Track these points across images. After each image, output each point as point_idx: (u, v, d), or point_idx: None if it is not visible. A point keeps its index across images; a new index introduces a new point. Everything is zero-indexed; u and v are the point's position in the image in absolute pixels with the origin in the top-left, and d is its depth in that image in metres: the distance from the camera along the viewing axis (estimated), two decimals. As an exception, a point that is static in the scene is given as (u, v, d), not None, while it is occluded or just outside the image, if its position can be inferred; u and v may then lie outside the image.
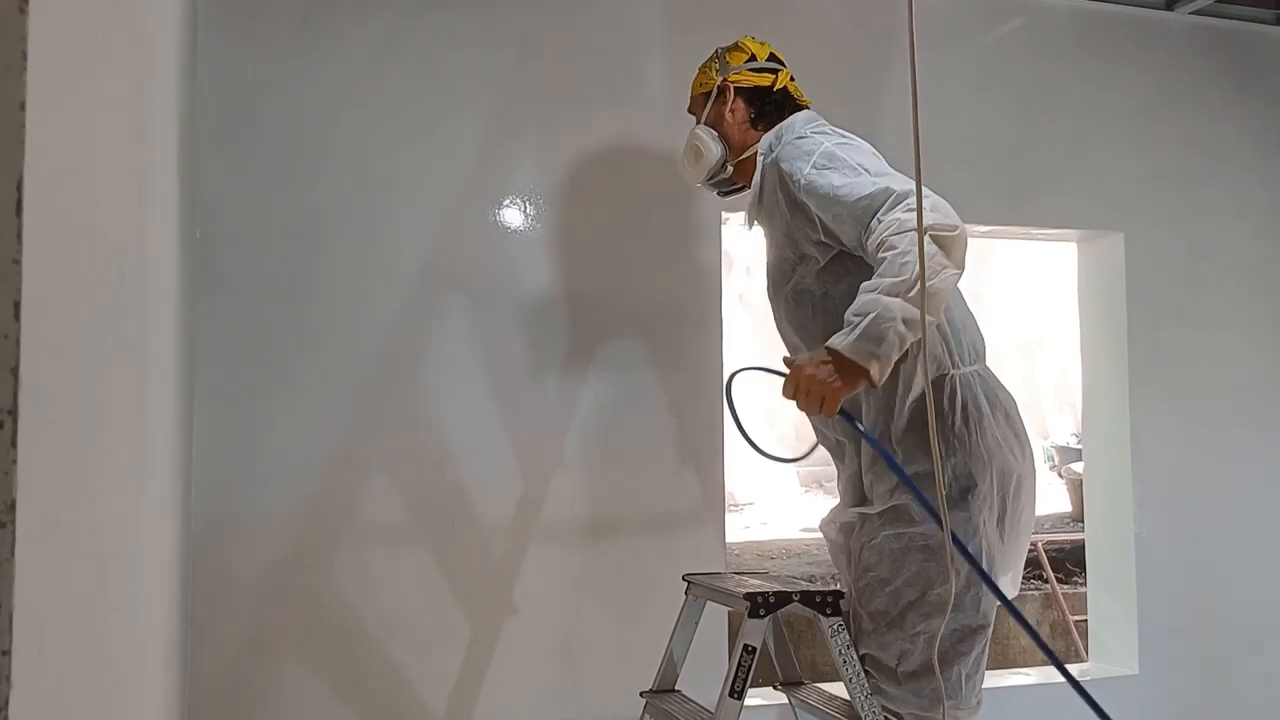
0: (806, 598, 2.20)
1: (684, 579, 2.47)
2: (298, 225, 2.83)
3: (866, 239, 2.08)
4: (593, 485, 3.01)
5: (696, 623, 2.45)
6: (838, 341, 2.00)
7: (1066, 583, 6.11)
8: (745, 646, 2.16)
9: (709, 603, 2.42)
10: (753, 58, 2.44)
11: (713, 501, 3.13)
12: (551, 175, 3.04)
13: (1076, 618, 5.73)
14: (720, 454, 3.16)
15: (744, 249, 9.79)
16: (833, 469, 2.55)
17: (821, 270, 2.26)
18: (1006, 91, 3.53)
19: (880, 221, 2.05)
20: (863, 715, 2.13)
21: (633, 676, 2.50)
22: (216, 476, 2.70)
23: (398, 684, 2.84)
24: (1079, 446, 8.72)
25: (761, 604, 2.17)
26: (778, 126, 2.38)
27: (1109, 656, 3.62)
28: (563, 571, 2.97)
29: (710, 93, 2.45)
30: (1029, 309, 11.14)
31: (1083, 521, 5.83)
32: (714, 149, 2.43)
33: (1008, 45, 3.54)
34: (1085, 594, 4.70)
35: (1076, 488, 7.28)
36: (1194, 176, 3.70)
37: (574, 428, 3.01)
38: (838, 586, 2.38)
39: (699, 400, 3.13)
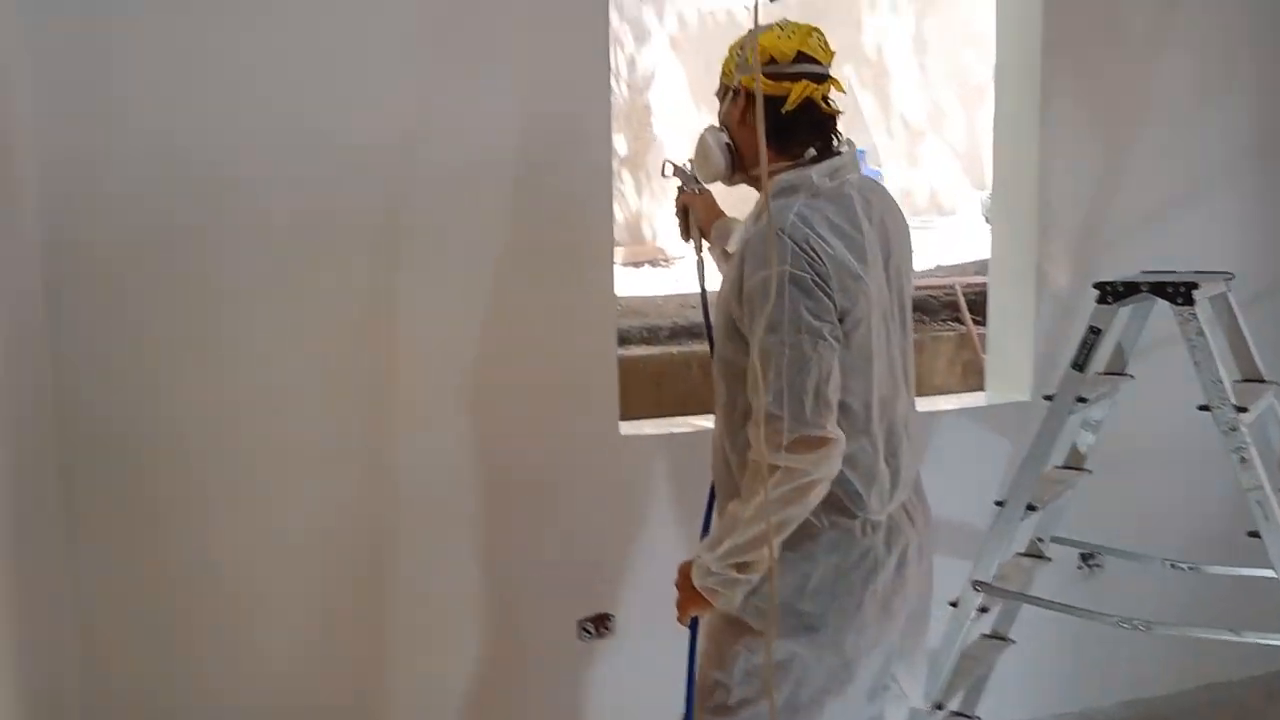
0: (1157, 288, 2.54)
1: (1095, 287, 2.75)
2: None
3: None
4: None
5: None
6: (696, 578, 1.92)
7: (981, 325, 6.27)
8: (1090, 327, 2.66)
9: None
10: (772, 60, 1.88)
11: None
12: None
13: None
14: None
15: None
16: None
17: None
18: None
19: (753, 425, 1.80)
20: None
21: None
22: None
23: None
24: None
25: (1110, 292, 2.65)
26: (786, 180, 1.89)
27: (1004, 384, 3.73)
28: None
29: (727, 88, 2.00)
30: (974, 58, 10.99)
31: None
32: (718, 160, 2.02)
33: None
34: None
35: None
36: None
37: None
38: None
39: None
